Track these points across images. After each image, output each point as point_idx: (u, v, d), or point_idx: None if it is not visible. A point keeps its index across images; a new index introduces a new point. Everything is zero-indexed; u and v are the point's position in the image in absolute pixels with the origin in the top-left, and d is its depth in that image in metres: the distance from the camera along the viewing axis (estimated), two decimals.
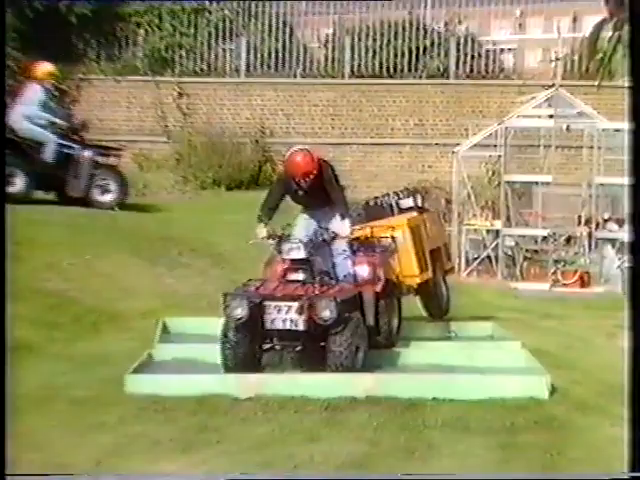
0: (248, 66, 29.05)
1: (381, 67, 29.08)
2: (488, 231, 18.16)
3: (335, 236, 13.02)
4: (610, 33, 4.15)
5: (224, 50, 29.33)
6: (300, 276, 12.50)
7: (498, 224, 21.00)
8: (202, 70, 28.97)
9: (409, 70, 28.97)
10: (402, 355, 13.37)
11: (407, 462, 9.48)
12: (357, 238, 14.02)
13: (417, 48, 29.44)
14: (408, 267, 14.69)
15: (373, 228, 14.60)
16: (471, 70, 29.00)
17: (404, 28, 29.91)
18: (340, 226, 13.12)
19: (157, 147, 25.02)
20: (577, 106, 21.64)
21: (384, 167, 26.28)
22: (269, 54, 29.50)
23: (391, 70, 29.00)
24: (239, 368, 12.07)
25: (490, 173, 22.88)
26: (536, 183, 21.74)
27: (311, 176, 12.88)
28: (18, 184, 19.61)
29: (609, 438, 10.49)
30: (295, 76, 29.32)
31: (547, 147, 21.88)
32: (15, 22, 27.05)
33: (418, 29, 30.30)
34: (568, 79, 24.81)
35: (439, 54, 29.33)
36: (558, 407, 11.32)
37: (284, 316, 12.07)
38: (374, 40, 29.62)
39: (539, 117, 21.93)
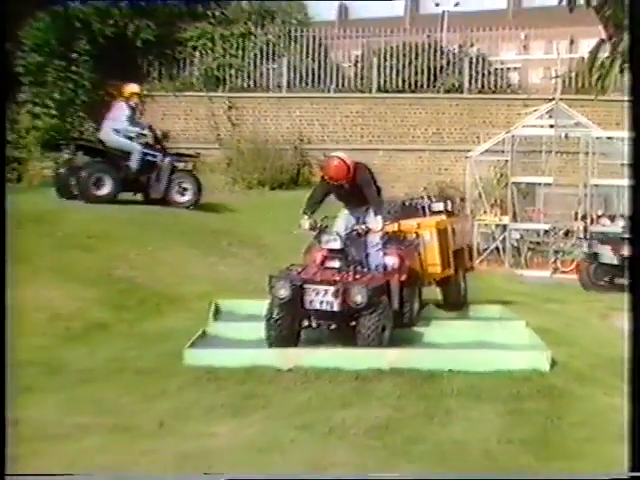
0: (289, 83, 29.06)
1: (403, 83, 29.04)
2: (497, 225, 18.16)
3: (369, 230, 13.00)
4: (606, 54, 4.14)
5: (268, 69, 29.35)
6: (336, 264, 12.53)
7: (506, 219, 20.97)
8: (249, 86, 28.97)
9: (428, 86, 28.92)
10: (423, 333, 13.36)
11: (427, 426, 9.49)
12: (388, 233, 13.87)
13: (435, 67, 29.40)
14: (432, 263, 14.69)
15: (406, 225, 14.68)
16: (482, 86, 28.91)
17: (423, 49, 29.85)
18: (373, 222, 13.13)
19: (210, 153, 25.03)
20: (574, 117, 21.60)
21: (406, 170, 26.26)
22: (307, 72, 29.48)
23: (412, 86, 28.94)
24: (281, 343, 12.16)
25: (499, 175, 22.82)
26: (539, 184, 21.73)
27: (342, 181, 12.85)
28: (107, 188, 19.80)
29: (603, 405, 10.51)
30: (329, 91, 29.30)
31: (548, 153, 21.82)
32: (89, 47, 27.20)
33: (435, 50, 30.23)
34: (566, 94, 24.70)
35: (454, 72, 29.27)
36: (558, 378, 11.30)
37: (321, 298, 12.15)
38: (397, 60, 29.56)
39: (541, 127, 21.90)
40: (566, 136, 21.54)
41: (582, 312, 15.57)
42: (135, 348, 12.43)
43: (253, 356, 11.71)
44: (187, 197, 20.76)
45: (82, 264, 15.18)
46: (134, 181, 20.41)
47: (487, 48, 32.07)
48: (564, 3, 4.22)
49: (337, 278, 12.33)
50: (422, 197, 16.79)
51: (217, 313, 13.81)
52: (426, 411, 9.97)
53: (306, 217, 12.98)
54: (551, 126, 21.69)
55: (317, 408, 10.13)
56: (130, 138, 20.33)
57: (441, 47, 30.98)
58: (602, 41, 4.21)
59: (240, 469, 8.22)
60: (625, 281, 17.49)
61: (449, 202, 16.27)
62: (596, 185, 21.33)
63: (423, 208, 15.87)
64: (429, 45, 30.44)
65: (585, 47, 29.13)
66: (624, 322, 14.69)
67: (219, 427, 9.53)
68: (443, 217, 15.55)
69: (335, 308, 12.15)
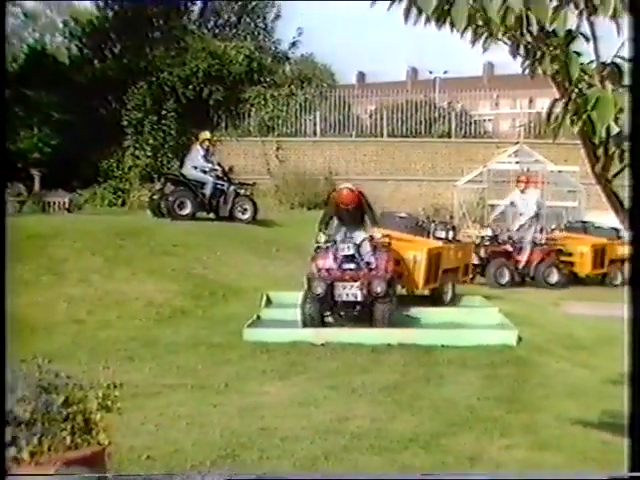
0: (321, 130, 28.99)
1: (407, 130, 28.92)
2: (488, 236, 17.87)
3: (372, 238, 12.69)
4: (559, 109, 4.07)
5: (306, 120, 29.28)
6: (352, 265, 12.37)
7: (484, 232, 20.56)
8: (292, 133, 28.92)
9: (425, 133, 28.80)
10: (423, 317, 13.16)
11: (425, 387, 9.43)
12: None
13: (430, 119, 29.28)
14: (417, 279, 13.76)
15: (408, 241, 13.99)
16: (465, 133, 28.81)
17: (421, 105, 29.73)
18: (375, 233, 12.83)
19: (263, 182, 24.94)
20: (534, 156, 21.46)
21: (409, 195, 26.16)
22: (334, 122, 29.42)
23: (413, 132, 28.82)
24: (311, 326, 12.07)
25: (478, 199, 22.67)
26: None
27: (351, 205, 12.74)
28: (188, 209, 19.87)
29: (555, 370, 10.43)
30: (351, 136, 29.21)
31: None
32: (175, 106, 27.33)
33: (430, 106, 30.13)
34: (527, 139, 24.70)
35: (444, 123, 29.15)
36: (522, 350, 11.22)
37: (347, 291, 12.13)
38: (402, 113, 29.46)
39: (509, 163, 21.79)
40: (528, 170, 21.40)
41: (539, 301, 15.42)
42: (207, 328, 12.39)
43: (294, 334, 11.65)
44: (247, 215, 20.75)
45: (169, 265, 15.17)
46: (208, 204, 20.43)
47: (468, 105, 31.95)
48: (526, 72, 4.12)
49: (357, 275, 12.27)
50: (433, 221, 15.88)
51: (268, 302, 13.74)
52: (425, 376, 9.92)
53: (321, 233, 12.77)
54: (517, 162, 21.61)
55: (343, 373, 10.09)
56: (205, 172, 20.34)
57: (434, 104, 30.91)
58: (556, 100, 4.13)
59: (285, 419, 8.18)
60: (483, 278, 17.42)
61: (451, 231, 15.15)
62: (550, 206, 21.28)
63: (429, 232, 14.86)
64: (425, 102, 30.35)
65: (541, 104, 29.07)
66: (573, 309, 14.72)
67: (270, 387, 9.50)
68: (440, 243, 14.42)
69: (358, 298, 12.11)
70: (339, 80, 36.19)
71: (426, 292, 14.47)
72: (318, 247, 12.75)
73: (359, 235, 12.89)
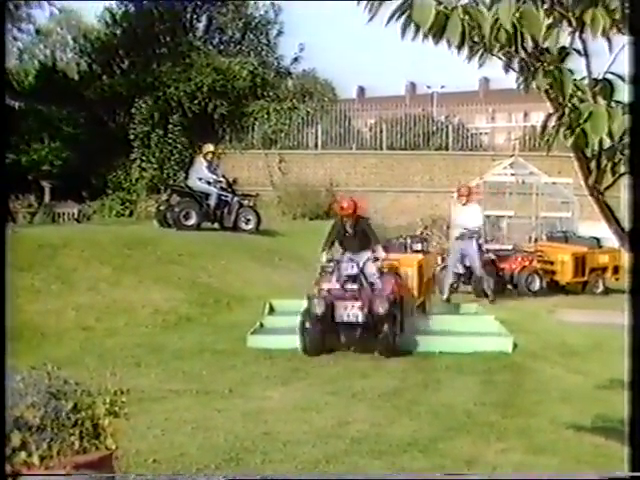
0: (323, 143, 28.97)
1: (406, 143, 28.85)
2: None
3: (377, 259, 12.00)
4: (553, 124, 4.08)
5: (308, 133, 29.26)
6: (355, 286, 11.56)
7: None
8: (294, 145, 28.91)
9: (423, 145, 28.77)
10: (421, 324, 12.96)
11: (423, 393, 9.43)
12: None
13: (428, 132, 29.26)
14: (413, 292, 13.06)
15: (399, 260, 13.06)
16: (462, 146, 28.79)
17: (419, 119, 29.75)
18: (379, 253, 12.14)
19: (266, 194, 24.90)
20: (528, 168, 21.43)
21: (408, 206, 26.11)
22: (335, 135, 29.39)
23: (412, 145, 28.76)
24: (313, 350, 11.25)
25: None
26: (503, 216, 21.60)
27: (350, 212, 12.02)
28: (193, 219, 19.86)
29: (549, 376, 10.43)
30: (351, 149, 29.18)
31: (510, 194, 21.71)
32: (181, 119, 27.36)
33: (428, 120, 30.13)
34: (522, 151, 24.69)
35: (441, 136, 29.13)
36: (518, 357, 11.22)
37: (349, 312, 11.30)
38: (401, 127, 29.42)
39: (505, 175, 21.78)
40: (523, 182, 21.35)
41: (534, 309, 15.38)
42: (212, 334, 12.39)
43: (296, 341, 11.52)
44: (250, 225, 20.74)
45: (175, 274, 15.18)
46: (212, 214, 20.44)
47: (465, 118, 31.95)
48: (521, 87, 4.13)
49: (360, 295, 11.46)
50: (405, 237, 15.17)
51: (271, 309, 13.73)
52: (423, 381, 9.93)
53: (324, 253, 12.03)
54: (512, 174, 21.58)
55: (343, 379, 10.09)
56: (209, 183, 20.35)
57: (432, 118, 30.91)
58: (550, 114, 4.14)
59: (287, 423, 8.17)
60: (468, 287, 17.05)
61: (425, 242, 15.11)
62: (544, 217, 21.26)
63: (405, 246, 14.47)
64: (423, 116, 30.37)
65: (535, 118, 29.11)
66: (566, 316, 14.70)
67: (272, 392, 9.50)
68: (420, 256, 13.90)
69: (360, 319, 11.24)
70: (340, 94, 36.13)
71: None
72: (323, 269, 12.02)
73: (363, 255, 12.18)
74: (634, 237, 4.14)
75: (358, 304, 11.32)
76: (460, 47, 3.75)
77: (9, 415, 3.44)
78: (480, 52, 3.88)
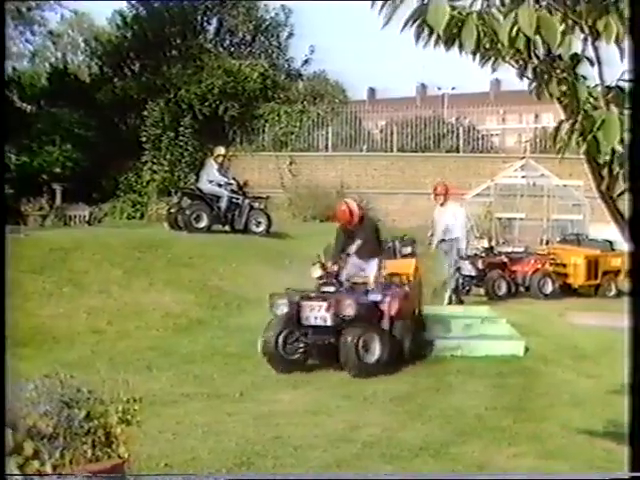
0: (333, 145, 28.95)
1: (416, 145, 28.79)
2: (484, 248, 17.71)
3: (365, 282, 11.20)
4: (565, 130, 4.06)
5: (318, 135, 29.21)
6: (331, 289, 10.73)
7: (480, 243, 19.98)
8: (305, 148, 28.90)
9: (434, 148, 28.72)
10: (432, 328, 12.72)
11: (434, 396, 9.41)
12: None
13: (438, 134, 29.18)
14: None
15: (396, 267, 12.15)
16: (473, 148, 28.71)
17: (430, 121, 29.65)
18: (370, 273, 11.33)
19: (277, 196, 24.87)
20: (539, 170, 21.40)
21: (418, 208, 25.94)
22: (346, 137, 29.37)
23: (423, 147, 28.71)
24: (276, 359, 10.45)
25: (486, 212, 22.54)
26: (514, 218, 21.56)
27: (345, 222, 11.32)
28: (204, 222, 19.87)
29: (561, 380, 10.39)
30: (362, 150, 29.16)
31: (521, 196, 21.67)
32: (192, 122, 27.38)
33: (439, 122, 30.05)
34: (533, 153, 24.67)
35: (452, 138, 29.08)
36: (529, 360, 11.19)
37: (316, 314, 10.39)
38: (411, 128, 29.37)
39: (516, 177, 21.74)
40: (534, 184, 21.31)
41: (545, 312, 15.31)
42: (223, 338, 12.39)
43: None
44: (261, 228, 20.74)
45: (185, 277, 15.18)
46: (223, 217, 20.43)
47: (475, 120, 31.89)
48: (533, 93, 4.12)
49: (330, 295, 10.59)
50: (393, 240, 13.63)
51: None
52: (434, 385, 9.90)
53: (317, 265, 11.12)
54: (523, 177, 21.54)
55: (355, 382, 10.06)
56: (220, 186, 20.36)
57: (443, 119, 30.84)
58: (562, 121, 4.13)
59: (298, 427, 8.16)
60: (481, 290, 16.86)
61: (415, 245, 13.78)
62: (556, 219, 21.22)
63: (394, 251, 13.25)
64: (434, 118, 30.30)
65: (546, 119, 29.05)
66: (577, 319, 14.64)
67: (283, 395, 9.49)
68: (413, 260, 12.93)
69: (328, 322, 10.34)
70: (350, 96, 36.09)
71: None
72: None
73: (371, 264, 11.37)
74: (634, 240, 4.12)
75: (325, 304, 10.41)
76: (474, 53, 3.74)
77: (22, 424, 3.45)
78: (493, 58, 3.87)
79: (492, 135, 34.01)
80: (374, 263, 11.39)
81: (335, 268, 11.12)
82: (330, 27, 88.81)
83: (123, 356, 11.18)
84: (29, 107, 24.73)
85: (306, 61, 32.94)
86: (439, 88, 53.31)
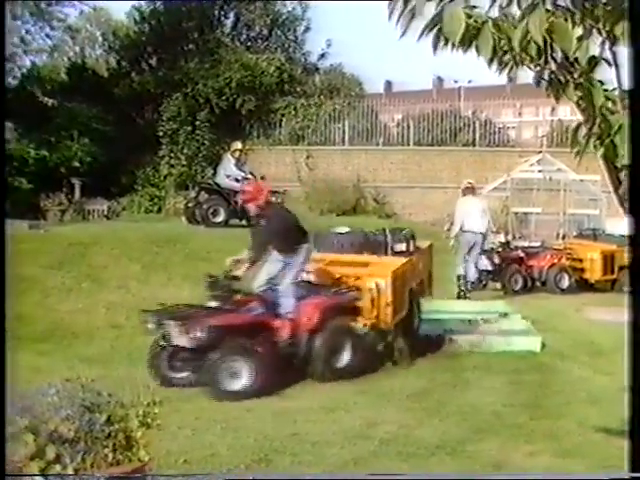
0: (350, 138, 28.91)
1: (432, 139, 28.70)
2: (501, 242, 17.69)
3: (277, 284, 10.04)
4: (583, 133, 4.05)
5: (334, 129, 29.19)
6: (213, 303, 9.72)
7: (496, 238, 19.91)
8: (321, 141, 28.85)
9: (450, 141, 28.66)
10: (449, 323, 12.69)
11: (451, 393, 9.40)
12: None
13: (455, 127, 29.07)
14: (384, 313, 10.38)
15: (368, 267, 10.78)
16: (489, 142, 28.62)
17: (446, 115, 29.59)
18: (289, 273, 10.03)
19: (294, 189, 24.88)
20: (556, 165, 21.31)
21: (435, 202, 25.94)
22: (362, 130, 29.33)
23: (439, 141, 28.64)
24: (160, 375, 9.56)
25: (502, 206, 22.47)
26: (531, 213, 21.50)
27: (249, 199, 10.24)
28: (221, 216, 19.97)
29: (577, 376, 10.35)
30: (378, 144, 29.11)
31: (537, 190, 21.59)
32: (209, 116, 27.38)
33: (455, 115, 30.00)
34: (550, 147, 24.56)
35: (468, 131, 28.97)
36: (545, 357, 11.16)
37: (177, 334, 9.29)
38: (428, 122, 29.27)
39: (532, 171, 21.66)
40: (550, 178, 21.23)
41: (561, 307, 15.27)
42: None
43: None
44: None
45: (203, 271, 15.17)
46: (240, 211, 20.51)
47: (492, 113, 31.78)
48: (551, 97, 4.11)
49: (192, 314, 9.50)
50: (387, 233, 11.73)
51: None
52: (451, 381, 9.89)
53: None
54: (539, 171, 21.46)
55: (372, 378, 10.06)
56: (237, 180, 20.40)
57: (459, 113, 30.80)
58: (579, 124, 4.12)
59: (316, 424, 8.17)
60: (497, 284, 16.83)
61: (412, 242, 11.77)
62: (572, 214, 21.14)
63: (386, 247, 11.45)
64: (450, 111, 30.24)
65: (563, 112, 28.92)
66: (594, 314, 14.59)
67: (301, 392, 9.51)
68: (403, 259, 11.18)
69: (187, 344, 9.26)
70: (367, 89, 35.97)
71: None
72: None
73: (293, 264, 9.98)
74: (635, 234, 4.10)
75: (180, 326, 9.26)
76: (491, 59, 3.73)
77: (44, 429, 3.48)
78: (510, 64, 3.86)
79: (508, 128, 33.89)
80: (298, 260, 10.06)
81: (240, 271, 9.82)
82: (347, 21, 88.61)
83: (141, 351, 11.18)
84: (51, 101, 24.87)
85: (323, 55, 32.86)
86: (455, 81, 53.24)
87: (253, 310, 9.70)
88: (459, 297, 15.80)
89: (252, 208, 10.22)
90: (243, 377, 9.20)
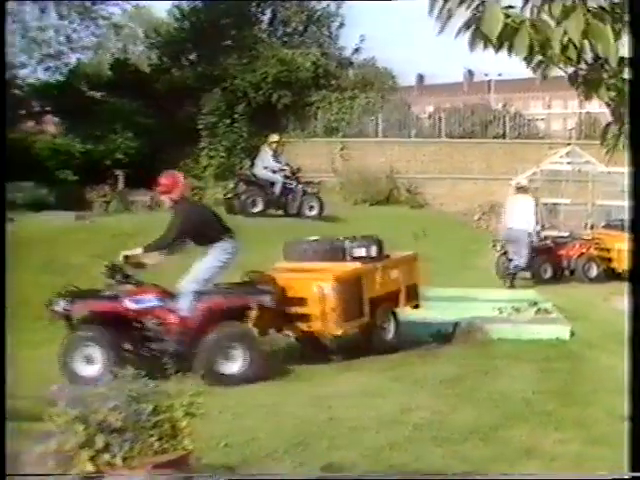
0: (383, 130, 28.80)
1: (464, 131, 28.59)
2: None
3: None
4: (613, 133, 4.01)
5: (368, 121, 29.09)
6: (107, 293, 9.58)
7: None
8: (356, 133, 28.78)
9: (481, 134, 28.49)
10: (480, 310, 12.57)
11: (482, 379, 9.35)
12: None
13: (485, 120, 28.90)
14: (327, 318, 10.01)
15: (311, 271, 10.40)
16: (519, 134, 28.47)
17: (477, 107, 29.45)
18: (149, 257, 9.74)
19: (329, 180, 24.87)
20: (584, 157, 21.12)
21: (466, 193, 25.83)
22: (395, 123, 29.21)
23: (470, 133, 28.52)
24: None
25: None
26: (560, 203, 21.35)
27: (162, 188, 9.94)
28: (259, 206, 20.11)
29: (605, 365, 10.24)
30: (410, 136, 29.00)
31: (566, 181, 21.41)
32: (247, 110, 27.45)
33: (486, 108, 29.83)
34: (578, 139, 24.39)
35: (499, 124, 28.80)
36: (575, 345, 11.07)
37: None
38: (459, 114, 29.20)
39: (561, 163, 21.48)
40: (579, 170, 21.06)
41: (589, 296, 15.13)
42: None
43: None
44: (313, 212, 20.87)
45: (242, 260, 15.23)
46: (277, 201, 20.61)
47: (520, 105, 31.55)
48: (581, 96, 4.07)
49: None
50: (347, 238, 11.03)
51: None
52: (482, 368, 9.83)
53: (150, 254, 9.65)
54: (568, 163, 21.30)
55: (408, 364, 10.06)
56: (274, 172, 20.50)
57: (489, 106, 30.61)
58: (609, 124, 4.07)
59: (352, 409, 8.16)
60: (528, 274, 16.78)
61: (373, 247, 10.87)
62: (600, 205, 20.96)
63: (344, 252, 10.73)
64: (481, 104, 30.10)
65: (590, 105, 28.66)
66: (621, 304, 14.42)
67: (338, 378, 9.52)
68: (358, 265, 10.56)
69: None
70: (399, 83, 35.80)
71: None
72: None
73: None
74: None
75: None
76: (526, 59, 3.69)
77: (93, 419, 3.51)
78: (544, 64, 3.81)
79: (537, 120, 33.61)
80: (207, 258, 9.70)
81: (153, 260, 9.58)
82: (379, 17, 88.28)
83: None
84: (97, 94, 25.02)
85: (356, 50, 32.75)
86: (486, 74, 52.84)
87: (143, 302, 9.36)
88: (509, 287, 15.95)
89: (166, 201, 9.92)
90: (97, 364, 9.01)
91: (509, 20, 3.55)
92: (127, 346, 9.22)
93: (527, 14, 3.71)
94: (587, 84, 3.84)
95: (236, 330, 9.49)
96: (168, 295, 9.50)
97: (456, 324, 11.45)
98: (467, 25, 3.64)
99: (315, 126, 28.92)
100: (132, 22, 42.29)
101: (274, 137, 21.13)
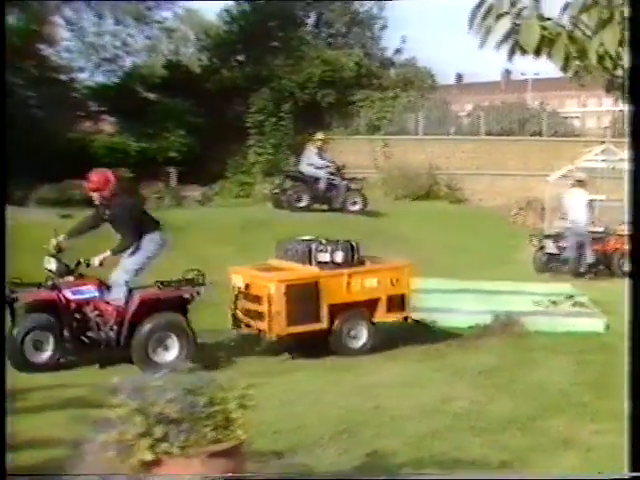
0: (423, 128, 28.66)
1: (502, 129, 28.38)
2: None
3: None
4: None
5: (409, 119, 28.95)
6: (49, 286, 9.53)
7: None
8: (397, 131, 28.68)
9: (518, 131, 28.23)
10: (518, 303, 12.42)
11: (520, 371, 9.29)
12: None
13: (523, 118, 28.64)
14: (274, 319, 9.89)
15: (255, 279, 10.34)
16: (555, 132, 28.18)
17: (515, 107, 29.21)
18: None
19: (370, 176, 24.78)
20: (619, 155, 20.83)
21: (504, 189, 25.64)
22: (435, 121, 29.05)
23: (508, 131, 28.29)
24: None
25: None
26: (596, 200, 21.09)
27: (93, 186, 9.65)
28: (304, 201, 20.20)
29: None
30: (450, 134, 28.85)
31: (601, 178, 21.16)
32: (293, 108, 27.52)
33: (523, 106, 29.55)
34: (613, 137, 24.09)
35: (535, 122, 28.52)
36: (610, 338, 10.93)
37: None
38: (497, 113, 28.99)
39: (596, 161, 21.24)
40: (613, 168, 20.80)
41: (624, 290, 14.94)
42: None
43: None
44: (357, 207, 20.90)
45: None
46: (322, 197, 20.65)
47: (557, 104, 31.21)
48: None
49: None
50: (313, 241, 10.69)
51: None
52: (519, 359, 9.78)
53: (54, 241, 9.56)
54: (603, 160, 21.06)
55: (445, 356, 10.03)
56: (319, 169, 20.54)
57: (526, 104, 30.32)
58: None
59: (394, 398, 8.16)
60: (563, 266, 16.75)
61: (339, 253, 10.39)
62: None
63: (309, 255, 10.44)
64: (518, 102, 29.82)
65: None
66: None
67: (380, 367, 9.53)
68: (315, 270, 10.26)
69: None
70: (439, 82, 35.59)
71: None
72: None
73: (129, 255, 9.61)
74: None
75: None
76: (563, 69, 3.68)
77: (151, 410, 3.56)
78: (581, 71, 3.80)
79: (572, 118, 33.21)
80: (138, 251, 9.65)
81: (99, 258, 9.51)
82: (420, 19, 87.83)
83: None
84: (152, 95, 25.23)
85: (398, 50, 32.66)
86: (522, 74, 52.33)
87: (82, 293, 9.41)
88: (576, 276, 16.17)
89: (96, 198, 9.71)
90: (47, 351, 9.20)
91: (546, 32, 3.55)
92: (66, 334, 9.29)
93: (564, 22, 3.71)
94: (622, 90, 3.81)
95: (169, 320, 9.52)
96: (108, 287, 9.61)
97: (495, 316, 11.40)
98: (506, 37, 3.65)
99: (358, 124, 28.89)
100: (183, 25, 42.51)
101: (319, 135, 21.29)
